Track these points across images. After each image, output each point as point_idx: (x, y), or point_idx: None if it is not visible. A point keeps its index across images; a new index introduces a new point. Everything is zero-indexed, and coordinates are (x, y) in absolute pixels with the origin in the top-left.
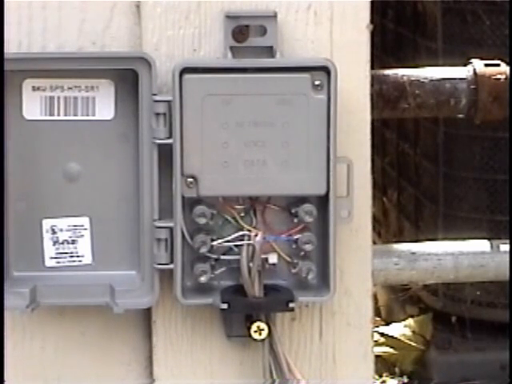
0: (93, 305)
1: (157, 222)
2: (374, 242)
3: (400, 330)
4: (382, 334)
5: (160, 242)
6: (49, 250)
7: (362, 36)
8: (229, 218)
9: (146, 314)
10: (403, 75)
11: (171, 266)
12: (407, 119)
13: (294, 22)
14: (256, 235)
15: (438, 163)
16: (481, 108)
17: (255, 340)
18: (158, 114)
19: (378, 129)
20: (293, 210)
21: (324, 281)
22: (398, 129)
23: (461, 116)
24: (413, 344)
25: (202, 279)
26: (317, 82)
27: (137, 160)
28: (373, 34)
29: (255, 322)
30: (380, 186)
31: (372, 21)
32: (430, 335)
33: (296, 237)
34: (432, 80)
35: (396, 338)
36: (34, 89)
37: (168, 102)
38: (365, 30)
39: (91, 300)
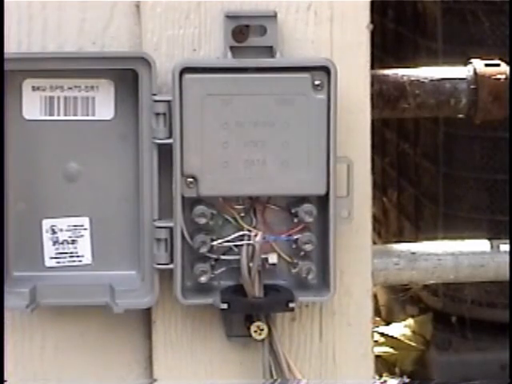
0: (93, 305)
1: (157, 222)
2: (374, 242)
3: (400, 330)
4: (382, 334)
5: (160, 242)
6: (49, 249)
7: (362, 36)
8: (229, 218)
9: (146, 314)
10: (403, 75)
11: (171, 266)
12: (407, 119)
13: (293, 21)
14: (256, 235)
15: (438, 163)
16: (481, 108)
17: (255, 340)
18: (157, 114)
19: (378, 129)
20: (293, 210)
21: (324, 281)
22: (398, 129)
23: (461, 116)
24: (413, 344)
25: (202, 279)
26: (317, 82)
27: (137, 160)
28: (373, 34)
29: (255, 321)
30: (380, 186)
31: (372, 21)
32: (429, 335)
33: (296, 237)
34: (432, 80)
35: (396, 337)
36: (34, 89)
37: (168, 101)
38: (365, 30)
39: (91, 300)
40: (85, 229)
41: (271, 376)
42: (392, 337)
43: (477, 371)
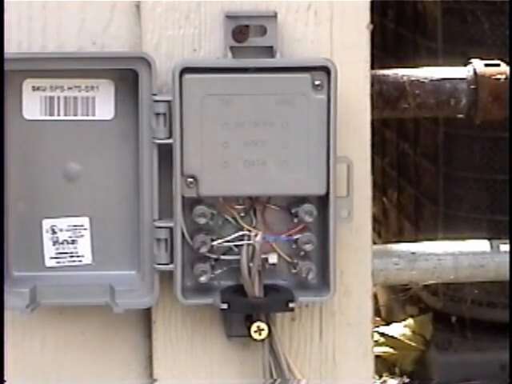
0: (93, 305)
1: (157, 222)
2: (374, 242)
3: (400, 330)
4: (382, 334)
5: (160, 242)
6: (49, 250)
7: (362, 36)
8: (229, 218)
9: (146, 314)
10: (403, 75)
11: (171, 266)
12: (407, 119)
13: (293, 22)
14: (256, 235)
15: (438, 163)
16: (481, 108)
17: (255, 340)
18: (157, 114)
19: (378, 129)
20: (293, 210)
21: (324, 281)
22: (398, 129)
23: (461, 116)
24: (413, 344)
25: (202, 279)
26: (317, 82)
27: (137, 160)
28: (373, 34)
29: (255, 322)
30: (380, 186)
31: (372, 21)
32: (429, 335)
33: (296, 237)
34: (432, 80)
35: (396, 337)
36: (34, 89)
37: (168, 102)
38: (365, 30)
39: (91, 300)
40: (85, 229)
41: (271, 376)
42: (392, 337)
43: (477, 371)
